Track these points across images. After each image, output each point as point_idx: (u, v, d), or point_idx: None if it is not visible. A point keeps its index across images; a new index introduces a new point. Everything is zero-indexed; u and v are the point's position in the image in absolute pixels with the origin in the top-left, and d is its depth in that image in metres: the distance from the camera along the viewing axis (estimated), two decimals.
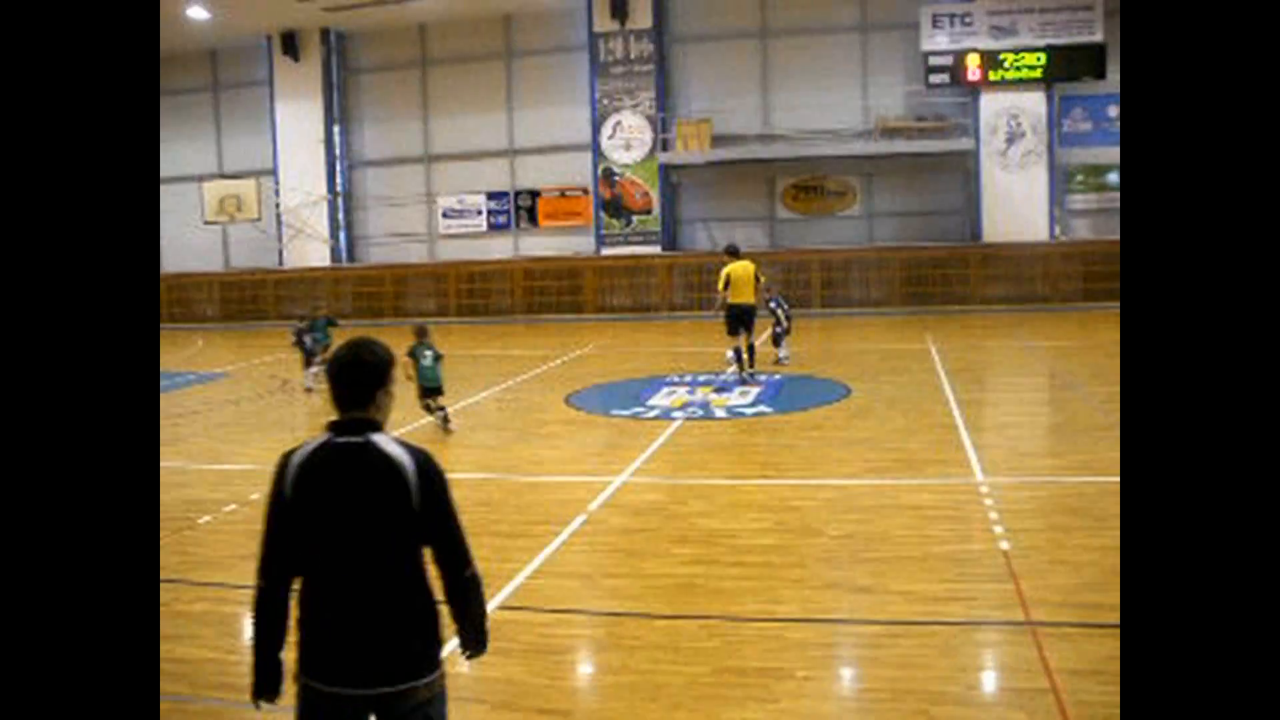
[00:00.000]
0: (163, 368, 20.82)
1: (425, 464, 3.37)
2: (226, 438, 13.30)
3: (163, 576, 7.63)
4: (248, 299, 31.32)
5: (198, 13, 27.16)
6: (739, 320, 15.32)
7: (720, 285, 15.39)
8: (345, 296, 31.01)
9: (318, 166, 31.02)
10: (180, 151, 32.74)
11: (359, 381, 3.40)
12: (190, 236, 32.69)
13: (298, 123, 30.91)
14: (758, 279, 15.54)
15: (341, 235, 31.85)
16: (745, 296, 15.37)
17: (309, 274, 31.39)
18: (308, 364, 17.05)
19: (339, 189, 31.70)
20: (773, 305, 17.57)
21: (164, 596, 7.22)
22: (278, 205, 31.41)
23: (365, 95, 31.93)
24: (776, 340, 17.69)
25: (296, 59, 30.61)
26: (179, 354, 23.78)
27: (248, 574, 7.52)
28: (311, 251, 31.43)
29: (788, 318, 17.72)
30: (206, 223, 31.71)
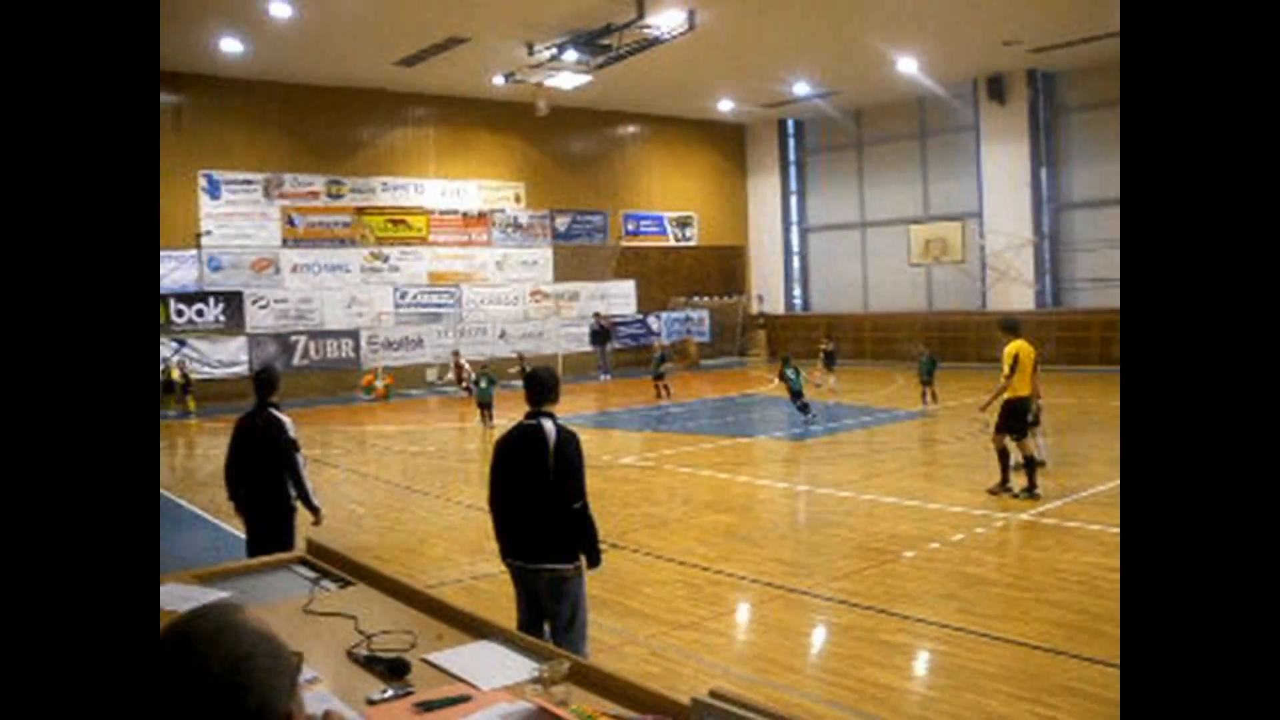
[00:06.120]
0: (867, 404, 21.77)
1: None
2: (928, 476, 13.54)
3: (866, 605, 7.91)
4: (949, 340, 31.71)
5: (908, 65, 28.20)
6: (1020, 417, 11.80)
7: (1006, 368, 11.58)
8: (1048, 341, 30.23)
9: (1022, 209, 30.68)
10: (890, 196, 34.35)
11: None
12: (897, 278, 34.03)
13: (1003, 166, 30.86)
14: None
15: (1046, 278, 31.18)
16: (1027, 387, 11.80)
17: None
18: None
19: (1044, 231, 31.10)
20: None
21: (867, 625, 7.49)
22: (982, 248, 31.55)
23: (1073, 135, 31.05)
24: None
25: (1002, 102, 30.61)
26: (878, 391, 24.74)
27: (946, 612, 7.57)
28: (1015, 294, 31.13)
29: None
30: (912, 264, 32.72)
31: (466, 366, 26.60)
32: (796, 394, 18.89)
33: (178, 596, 4.06)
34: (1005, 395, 11.68)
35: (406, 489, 14.02)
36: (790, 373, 18.83)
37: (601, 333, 31.98)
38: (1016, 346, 11.65)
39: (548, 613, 5.72)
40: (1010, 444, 11.93)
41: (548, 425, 5.67)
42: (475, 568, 9.48)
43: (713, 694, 2.20)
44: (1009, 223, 30.83)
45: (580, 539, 5.69)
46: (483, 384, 20.82)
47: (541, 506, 5.60)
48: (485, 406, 20.57)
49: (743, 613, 8.23)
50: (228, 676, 1.40)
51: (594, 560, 5.76)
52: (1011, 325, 12.06)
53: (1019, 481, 11.86)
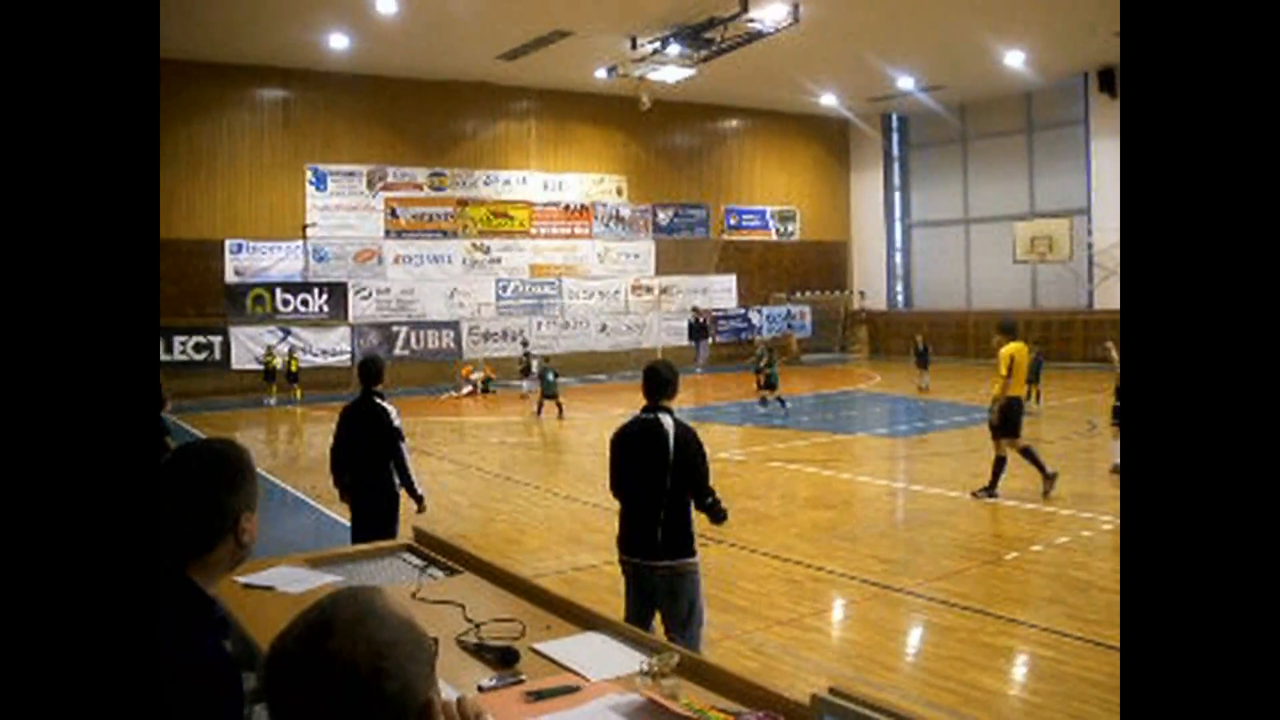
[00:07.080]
0: (968, 403, 21.40)
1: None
2: (1032, 476, 13.24)
3: (968, 606, 7.78)
4: (1054, 339, 31.01)
5: (1015, 59, 27.63)
6: (1017, 417, 12.00)
7: (1004, 370, 11.77)
8: None
9: None
10: (994, 191, 33.69)
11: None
12: (1001, 275, 33.38)
13: (1114, 160, 30.01)
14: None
15: None
16: (1021, 388, 12.68)
17: (1118, 316, 30.35)
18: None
19: None
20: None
21: (969, 626, 7.37)
22: (1090, 245, 30.81)
23: None
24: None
25: (1114, 94, 29.81)
26: (981, 390, 24.18)
27: (1051, 617, 7.41)
28: None
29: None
30: (1016, 262, 32.06)
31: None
32: (771, 386, 20.34)
33: (290, 578, 4.16)
34: (1006, 396, 11.92)
35: (505, 479, 14.16)
36: (769, 366, 20.49)
37: (699, 327, 31.94)
38: (1014, 348, 11.88)
39: (663, 611, 5.68)
40: (1005, 445, 12.02)
41: (666, 420, 5.64)
42: (574, 559, 9.54)
43: (833, 690, 2.17)
44: (1119, 219, 30.01)
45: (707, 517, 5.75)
46: (549, 377, 21.07)
47: (660, 502, 5.56)
48: (551, 398, 20.85)
49: (842, 610, 8.15)
50: (371, 663, 1.39)
51: (717, 516, 5.83)
52: (1009, 326, 12.36)
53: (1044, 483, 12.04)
